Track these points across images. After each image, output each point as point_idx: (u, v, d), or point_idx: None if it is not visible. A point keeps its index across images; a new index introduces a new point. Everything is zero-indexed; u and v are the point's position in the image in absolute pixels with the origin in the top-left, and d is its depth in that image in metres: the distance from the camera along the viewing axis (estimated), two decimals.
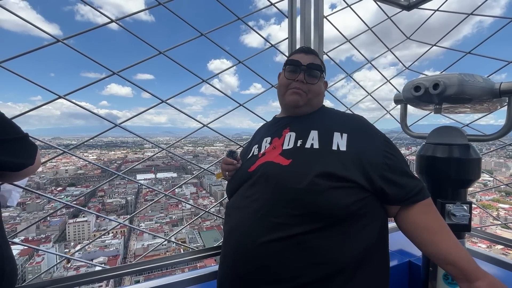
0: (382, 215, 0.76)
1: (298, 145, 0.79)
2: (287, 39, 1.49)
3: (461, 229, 0.98)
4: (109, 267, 1.13)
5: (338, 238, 0.67)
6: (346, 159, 0.72)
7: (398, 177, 0.73)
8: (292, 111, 0.93)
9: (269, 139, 0.89)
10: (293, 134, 0.83)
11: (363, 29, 1.78)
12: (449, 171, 1.01)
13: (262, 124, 1.12)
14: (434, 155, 1.04)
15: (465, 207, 0.98)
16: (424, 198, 0.74)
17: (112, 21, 1.12)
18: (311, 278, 0.65)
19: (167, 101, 1.27)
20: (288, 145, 0.81)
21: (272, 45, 1.52)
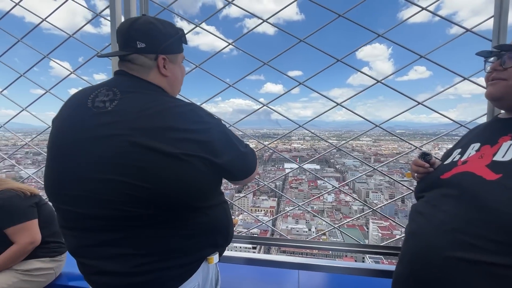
0: None
1: None
2: (492, 18, 1.11)
3: None
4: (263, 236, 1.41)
5: None
6: None
7: None
8: (500, 107, 0.78)
9: (477, 145, 0.76)
10: None
11: None
12: None
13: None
14: None
15: None
16: None
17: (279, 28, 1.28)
18: None
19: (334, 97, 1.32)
20: (503, 157, 0.65)
21: (467, 30, 1.18)
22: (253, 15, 1.39)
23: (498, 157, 0.67)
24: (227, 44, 1.38)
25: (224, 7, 1.46)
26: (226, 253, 1.28)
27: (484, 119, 1.16)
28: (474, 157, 0.73)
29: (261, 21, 1.33)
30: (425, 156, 0.89)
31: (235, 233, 1.38)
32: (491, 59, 0.79)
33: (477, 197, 0.62)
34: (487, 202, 0.60)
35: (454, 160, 0.79)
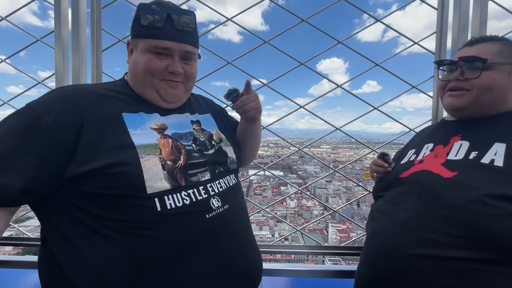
0: None
1: (471, 157, 0.67)
2: (434, 33, 1.25)
3: None
4: None
5: None
6: None
7: None
8: (457, 116, 0.80)
9: (431, 145, 0.80)
10: (465, 144, 0.71)
11: None
12: None
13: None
14: None
15: None
16: None
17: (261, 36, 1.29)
18: None
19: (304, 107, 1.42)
20: (455, 156, 0.70)
21: (415, 43, 1.33)
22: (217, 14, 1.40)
23: (451, 156, 0.71)
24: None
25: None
26: None
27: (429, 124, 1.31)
28: (429, 156, 0.77)
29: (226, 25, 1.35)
30: (384, 156, 0.91)
31: None
32: (445, 67, 0.81)
33: (436, 194, 0.65)
34: (446, 198, 0.63)
35: (411, 159, 0.82)
